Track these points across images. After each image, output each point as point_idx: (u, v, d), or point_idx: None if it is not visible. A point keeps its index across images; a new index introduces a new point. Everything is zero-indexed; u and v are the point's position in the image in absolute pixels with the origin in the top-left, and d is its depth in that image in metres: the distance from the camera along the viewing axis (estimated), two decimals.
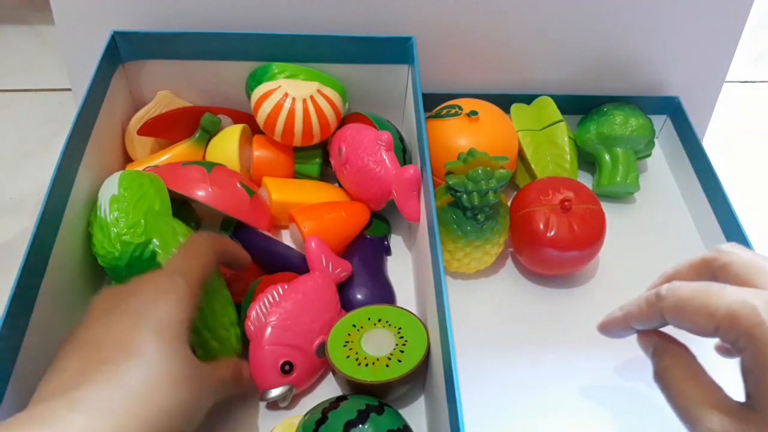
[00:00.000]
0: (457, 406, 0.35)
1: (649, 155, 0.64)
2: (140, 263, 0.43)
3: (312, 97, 0.54)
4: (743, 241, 0.52)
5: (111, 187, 0.45)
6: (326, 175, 0.60)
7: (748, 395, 0.29)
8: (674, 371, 0.32)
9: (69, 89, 0.65)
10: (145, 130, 0.56)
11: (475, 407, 0.46)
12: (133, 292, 0.36)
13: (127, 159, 0.58)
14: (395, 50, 0.56)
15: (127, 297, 0.35)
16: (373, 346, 0.45)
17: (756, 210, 0.65)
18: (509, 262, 0.57)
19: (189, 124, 0.58)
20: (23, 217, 0.58)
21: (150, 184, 0.46)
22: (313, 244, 0.50)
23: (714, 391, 0.30)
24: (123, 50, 0.55)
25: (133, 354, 0.31)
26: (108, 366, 0.31)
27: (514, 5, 0.58)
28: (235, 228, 0.53)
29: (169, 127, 0.57)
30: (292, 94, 0.53)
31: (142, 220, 0.43)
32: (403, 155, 0.55)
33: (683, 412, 0.31)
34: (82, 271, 0.47)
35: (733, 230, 0.54)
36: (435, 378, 0.42)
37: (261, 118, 0.54)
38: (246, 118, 0.59)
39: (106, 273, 0.45)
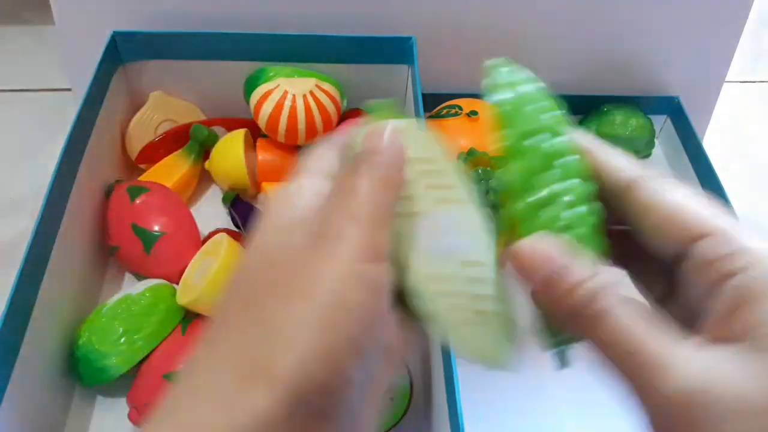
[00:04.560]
0: (458, 407, 0.35)
1: (649, 155, 0.64)
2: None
3: (312, 92, 0.53)
4: None
5: (139, 286, 0.46)
6: None
7: (737, 331, 0.20)
8: (619, 317, 0.21)
9: (69, 89, 0.65)
10: (143, 159, 0.57)
11: (475, 407, 0.46)
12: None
13: (127, 159, 0.58)
14: (395, 50, 0.56)
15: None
16: None
17: (756, 210, 0.64)
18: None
19: (183, 140, 0.58)
20: (23, 217, 0.58)
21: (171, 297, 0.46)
22: None
23: (675, 334, 0.21)
24: (123, 50, 0.55)
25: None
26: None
27: (514, 5, 0.58)
28: (234, 200, 0.55)
29: (166, 150, 0.57)
30: (292, 92, 0.53)
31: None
32: None
33: (640, 368, 0.21)
34: (82, 270, 0.47)
35: None
36: (435, 378, 0.42)
37: (263, 119, 0.54)
38: (239, 124, 0.59)
39: (106, 273, 0.44)
